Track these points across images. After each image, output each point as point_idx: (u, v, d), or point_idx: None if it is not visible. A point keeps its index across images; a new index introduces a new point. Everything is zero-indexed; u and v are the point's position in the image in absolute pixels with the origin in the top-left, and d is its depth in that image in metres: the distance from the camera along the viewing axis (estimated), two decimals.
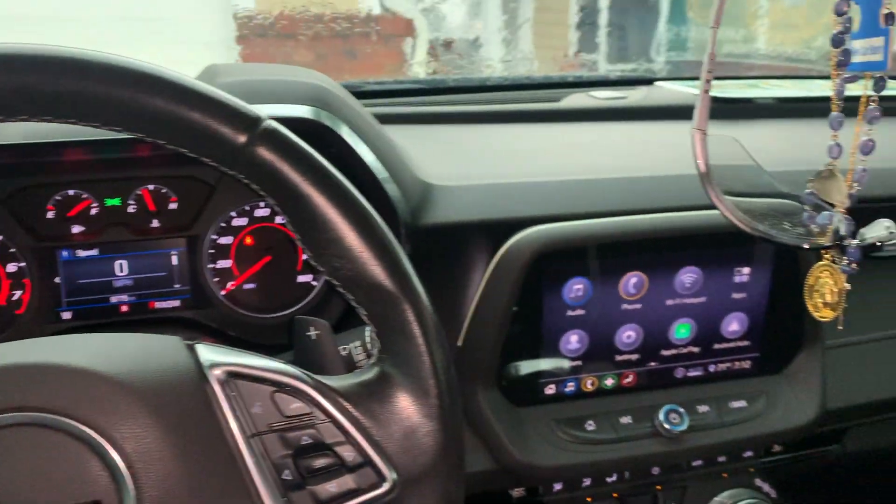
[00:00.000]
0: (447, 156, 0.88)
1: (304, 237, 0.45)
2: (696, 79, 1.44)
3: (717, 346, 0.79)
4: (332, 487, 0.44)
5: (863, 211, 0.53)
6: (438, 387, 0.46)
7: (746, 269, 0.76)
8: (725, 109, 1.13)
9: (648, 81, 1.28)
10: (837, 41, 0.47)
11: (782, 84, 1.24)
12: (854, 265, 0.49)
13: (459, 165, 0.84)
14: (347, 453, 0.45)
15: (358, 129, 0.68)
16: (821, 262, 0.51)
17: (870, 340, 0.87)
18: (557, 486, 0.78)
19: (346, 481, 0.44)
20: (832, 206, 0.50)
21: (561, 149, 0.93)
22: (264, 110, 0.45)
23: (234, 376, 0.44)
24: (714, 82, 1.41)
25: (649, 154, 0.91)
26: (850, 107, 1.12)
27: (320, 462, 0.44)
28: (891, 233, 0.48)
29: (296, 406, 0.44)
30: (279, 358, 0.47)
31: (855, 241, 0.49)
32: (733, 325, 0.79)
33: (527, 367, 0.74)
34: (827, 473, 0.92)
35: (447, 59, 1.57)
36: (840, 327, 0.52)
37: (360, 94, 1.16)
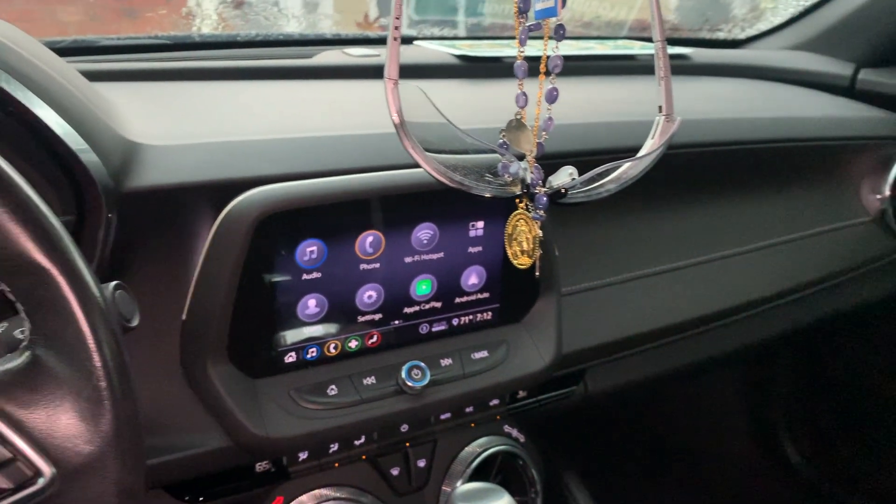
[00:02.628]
0: (172, 114, 0.81)
1: None
2: (455, 38, 1.45)
3: (458, 299, 0.80)
4: None
5: (559, 165, 0.54)
6: (104, 367, 0.41)
7: (480, 224, 0.78)
8: (479, 68, 1.15)
9: (408, 41, 1.27)
10: None
11: (537, 44, 1.28)
12: (542, 213, 0.50)
13: (183, 124, 0.78)
14: None
15: (37, 84, 0.60)
16: (517, 212, 0.52)
17: (603, 286, 0.93)
18: (303, 456, 0.76)
19: None
20: (524, 157, 0.51)
21: (299, 106, 0.90)
22: None
23: None
24: (471, 42, 1.42)
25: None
26: (589, 66, 1.15)
27: None
28: (573, 179, 0.49)
29: None
30: None
31: (544, 189, 0.50)
32: (472, 278, 0.80)
33: (262, 336, 0.71)
34: (572, 414, 0.97)
35: (236, 18, 1.47)
36: (537, 273, 0.54)
37: (94, 50, 1.06)
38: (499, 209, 0.78)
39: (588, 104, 0.98)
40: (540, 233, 0.50)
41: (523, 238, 0.51)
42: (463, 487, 0.72)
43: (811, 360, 1.49)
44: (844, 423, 1.48)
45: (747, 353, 1.20)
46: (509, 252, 0.53)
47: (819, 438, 1.52)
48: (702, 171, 1.01)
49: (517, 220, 0.51)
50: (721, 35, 1.57)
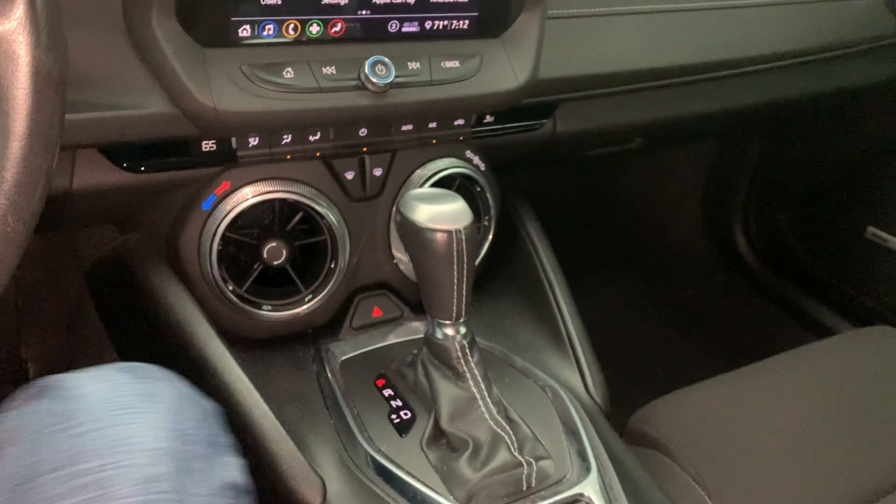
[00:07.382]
0: None
1: None
2: None
3: None
4: None
5: None
6: None
7: None
8: None
9: None
10: None
11: None
12: None
13: None
14: None
15: None
16: None
17: (592, 15, 0.86)
18: (253, 141, 0.72)
19: None
20: None
21: None
22: None
23: None
24: None
25: None
26: None
27: None
28: None
29: None
30: None
31: None
32: None
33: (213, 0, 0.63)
34: (537, 153, 0.94)
35: None
36: None
37: None
38: None
39: None
40: None
41: None
42: (418, 190, 0.70)
43: (781, 144, 1.47)
44: (799, 218, 1.50)
45: (722, 121, 1.17)
46: None
47: (769, 230, 1.55)
48: None
49: None
50: None
